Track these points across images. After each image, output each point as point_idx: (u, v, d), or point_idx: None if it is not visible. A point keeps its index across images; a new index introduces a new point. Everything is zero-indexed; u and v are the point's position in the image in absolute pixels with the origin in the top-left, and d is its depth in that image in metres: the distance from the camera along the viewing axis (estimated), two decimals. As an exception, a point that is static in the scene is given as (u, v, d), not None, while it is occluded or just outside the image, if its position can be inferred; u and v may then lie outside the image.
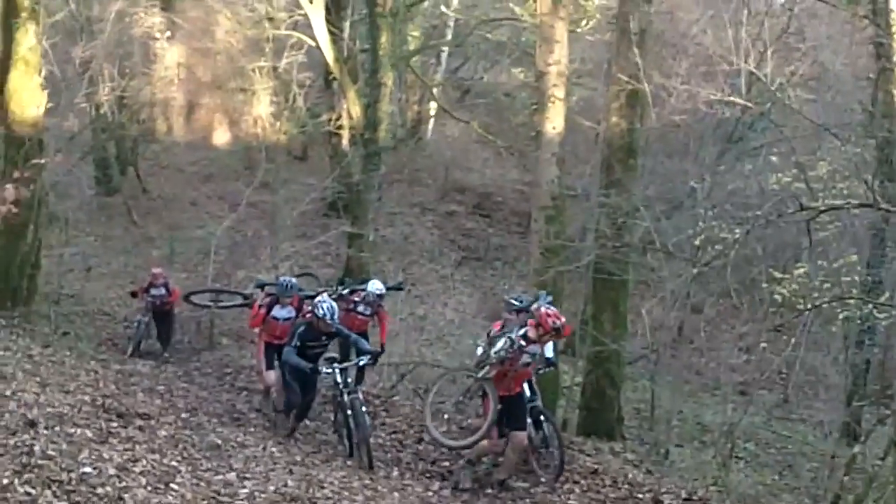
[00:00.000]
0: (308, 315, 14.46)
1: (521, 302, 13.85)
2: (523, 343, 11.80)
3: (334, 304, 13.45)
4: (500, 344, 12.00)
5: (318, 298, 13.66)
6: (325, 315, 13.19)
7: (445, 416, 13.43)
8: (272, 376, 14.70)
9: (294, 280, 15.70)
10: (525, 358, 11.98)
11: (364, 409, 13.01)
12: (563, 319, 11.83)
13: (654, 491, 12.49)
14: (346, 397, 12.96)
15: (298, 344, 13.27)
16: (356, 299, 16.59)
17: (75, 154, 24.68)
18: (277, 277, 17.96)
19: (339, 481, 11.48)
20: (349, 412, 12.90)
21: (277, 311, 15.01)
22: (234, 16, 27.87)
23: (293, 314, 14.95)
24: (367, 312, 16.65)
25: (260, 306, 15.26)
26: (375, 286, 16.64)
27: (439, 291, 26.07)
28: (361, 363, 13.80)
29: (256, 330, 15.71)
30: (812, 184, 13.48)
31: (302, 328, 13.43)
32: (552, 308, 11.88)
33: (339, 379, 13.16)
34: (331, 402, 14.04)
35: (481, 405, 12.75)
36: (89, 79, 22.25)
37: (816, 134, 15.39)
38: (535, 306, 12.05)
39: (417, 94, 34.73)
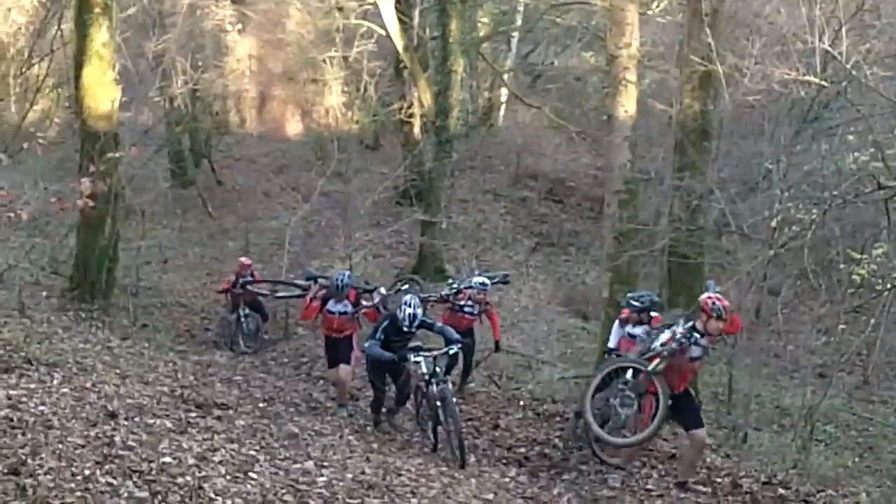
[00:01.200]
0: (366, 310, 14.92)
1: (641, 303, 13.57)
2: (696, 336, 11.23)
3: (419, 310, 13.03)
4: (663, 337, 11.56)
5: (405, 298, 13.19)
6: (403, 321, 12.92)
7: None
8: (341, 373, 14.60)
9: (347, 276, 14.98)
10: (695, 351, 11.39)
11: (455, 400, 12.73)
12: (726, 303, 11.26)
13: (733, 475, 12.42)
14: (435, 388, 12.60)
15: (382, 338, 13.04)
16: (462, 300, 16.29)
17: (150, 147, 24.91)
18: (349, 270, 17.67)
19: (416, 468, 11.54)
20: (439, 404, 12.56)
21: (332, 305, 14.68)
22: (304, 6, 28.02)
23: (349, 308, 14.71)
24: (475, 311, 16.31)
25: (312, 299, 14.88)
26: (479, 280, 16.35)
27: (513, 278, 26.02)
28: (451, 352, 13.40)
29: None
30: (890, 162, 13.28)
31: (386, 322, 13.15)
32: (715, 292, 11.37)
33: (425, 368, 12.80)
34: (413, 392, 13.82)
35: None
36: (162, 72, 22.45)
37: (894, 112, 15.12)
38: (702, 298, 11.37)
39: (488, 80, 34.71)
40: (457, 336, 13.33)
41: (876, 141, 13.70)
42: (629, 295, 14.07)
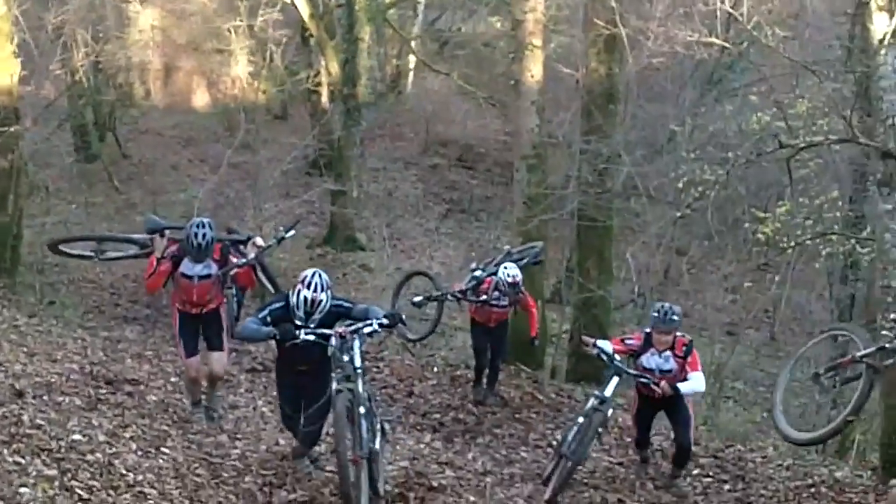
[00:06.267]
0: (237, 270, 11.33)
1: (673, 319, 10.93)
2: None
3: (323, 294, 9.25)
4: None
5: (304, 275, 9.41)
6: (296, 309, 9.35)
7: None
8: (194, 364, 11.26)
9: (209, 225, 10.82)
10: None
11: (363, 410, 9.02)
12: None
13: (644, 432, 12.60)
14: (334, 385, 9.13)
15: (269, 320, 9.35)
16: (485, 292, 14.05)
17: (53, 122, 24.50)
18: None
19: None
20: (332, 412, 9.12)
21: (189, 268, 10.94)
22: (208, -25, 27.65)
23: (213, 269, 11.01)
24: (504, 302, 14.03)
25: (160, 259, 10.95)
26: (508, 272, 13.66)
27: (425, 245, 26.09)
28: (367, 330, 9.24)
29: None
30: (792, 122, 13.48)
31: (279, 304, 9.50)
32: None
33: (332, 352, 9.28)
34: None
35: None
36: (63, 45, 21.98)
37: (795, 72, 15.34)
38: None
39: (396, 47, 34.58)
40: (381, 313, 9.47)
41: (777, 101, 13.90)
42: (660, 307, 11.16)
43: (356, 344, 9.17)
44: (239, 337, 10.15)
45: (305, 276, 9.32)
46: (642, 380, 10.89)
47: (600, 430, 10.72)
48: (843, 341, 10.93)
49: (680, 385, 10.66)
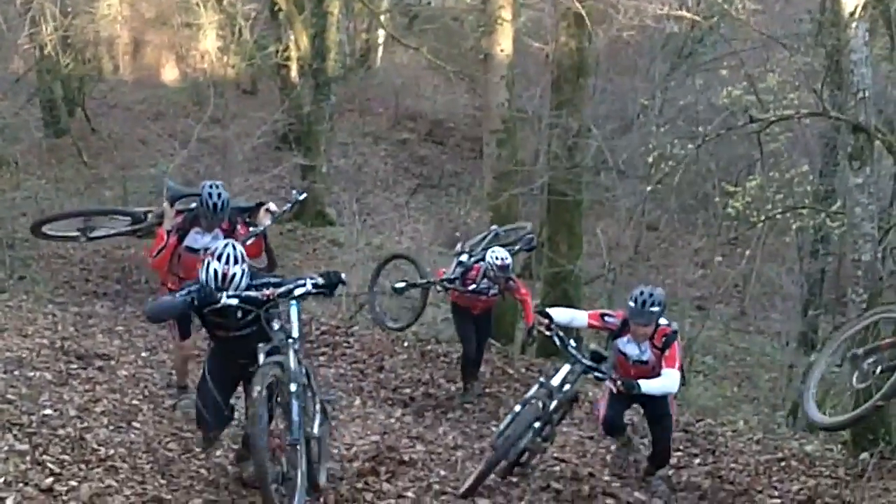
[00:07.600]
0: (248, 242, 10.19)
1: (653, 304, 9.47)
2: None
3: (238, 267, 7.80)
4: None
5: (216, 247, 8.02)
6: (206, 285, 7.77)
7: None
8: (189, 346, 10.75)
9: (221, 187, 10.14)
10: None
11: (295, 387, 7.71)
12: None
13: (614, 407, 12.60)
14: (262, 358, 7.77)
15: (189, 301, 7.88)
16: (472, 280, 12.82)
17: (22, 96, 24.31)
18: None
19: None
20: (257, 390, 7.46)
21: (196, 239, 10.20)
22: (176, -52, 27.44)
23: (220, 240, 9.11)
24: (494, 291, 12.82)
25: (169, 232, 10.21)
26: (496, 255, 12.45)
27: (394, 220, 26.03)
28: (298, 291, 7.93)
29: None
30: (762, 95, 13.52)
31: (195, 286, 7.89)
32: None
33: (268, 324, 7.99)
34: None
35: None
36: (32, 19, 21.81)
37: (766, 45, 15.38)
38: None
39: (365, 22, 34.45)
40: (309, 275, 8.22)
41: (748, 74, 13.94)
42: (638, 295, 9.54)
43: (293, 311, 8.01)
44: (151, 315, 8.34)
45: (216, 248, 7.93)
46: (598, 374, 9.53)
47: (537, 424, 9.32)
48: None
49: (642, 383, 9.16)
